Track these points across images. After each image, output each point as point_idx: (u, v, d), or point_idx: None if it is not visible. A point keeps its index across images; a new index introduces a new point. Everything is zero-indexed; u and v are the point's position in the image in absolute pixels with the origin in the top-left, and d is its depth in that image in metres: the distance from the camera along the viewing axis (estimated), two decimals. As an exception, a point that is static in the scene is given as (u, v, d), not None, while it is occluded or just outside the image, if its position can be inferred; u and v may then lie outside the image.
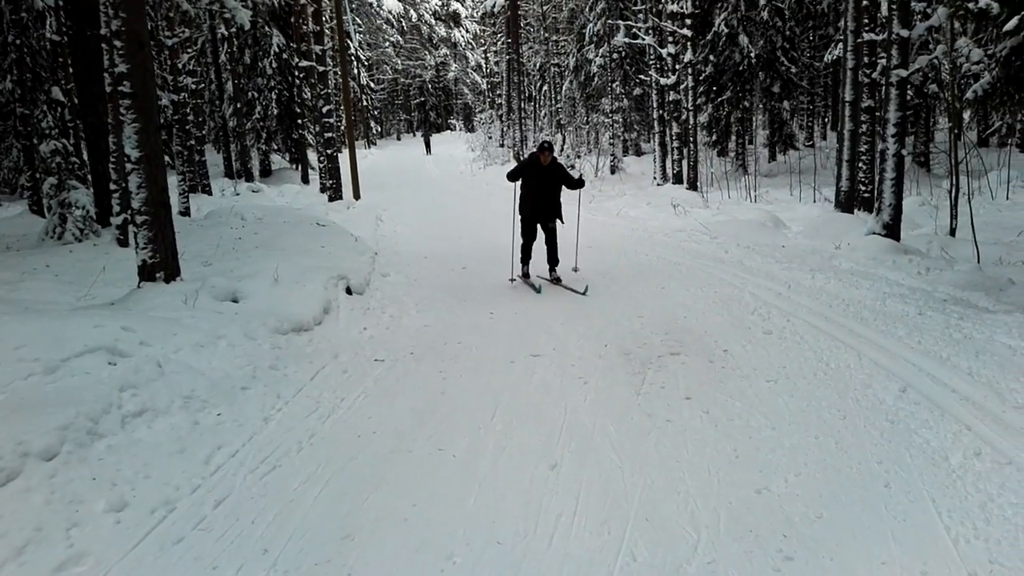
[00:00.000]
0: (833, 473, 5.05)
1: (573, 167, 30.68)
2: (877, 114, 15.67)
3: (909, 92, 13.89)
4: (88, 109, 16.02)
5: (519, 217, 12.00)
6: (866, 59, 15.91)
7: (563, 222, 11.96)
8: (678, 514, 4.67)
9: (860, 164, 16.85)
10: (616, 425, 6.07)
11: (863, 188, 16.84)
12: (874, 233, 12.86)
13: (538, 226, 11.91)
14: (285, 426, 6.26)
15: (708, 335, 8.35)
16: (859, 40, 16.27)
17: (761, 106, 29.34)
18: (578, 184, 11.79)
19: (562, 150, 34.48)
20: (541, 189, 11.61)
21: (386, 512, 4.85)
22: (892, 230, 12.78)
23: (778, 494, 4.83)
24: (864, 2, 15.77)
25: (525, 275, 11.87)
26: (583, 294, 10.83)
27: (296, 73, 34.43)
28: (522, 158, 39.55)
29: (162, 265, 9.07)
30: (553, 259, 11.92)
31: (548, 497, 4.95)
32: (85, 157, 17.23)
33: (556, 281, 11.74)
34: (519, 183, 11.86)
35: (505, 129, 48.12)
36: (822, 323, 8.43)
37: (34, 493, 4.67)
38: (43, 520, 4.50)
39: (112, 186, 14.23)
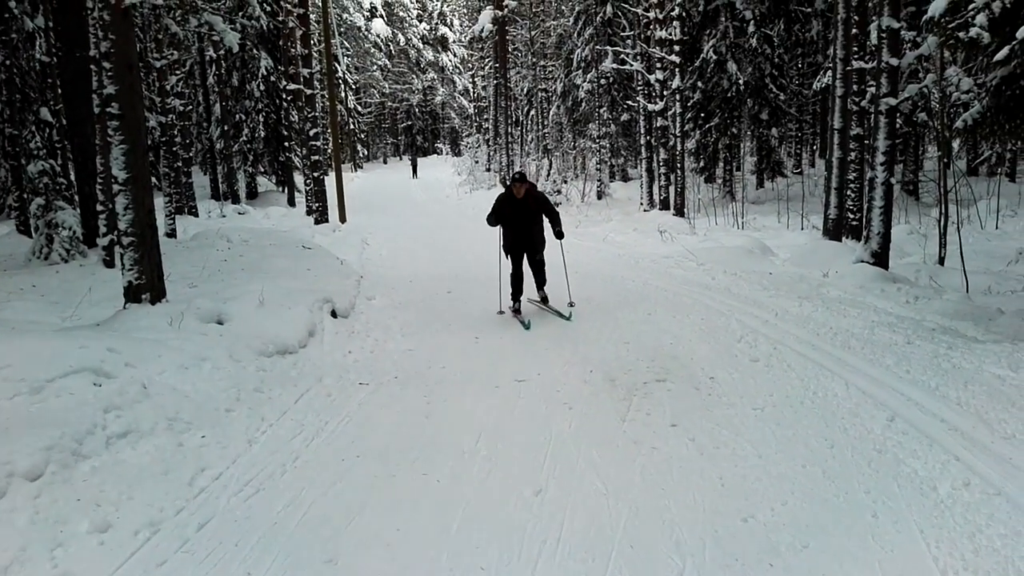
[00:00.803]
0: (820, 502, 5.03)
1: (560, 191, 30.73)
2: (866, 142, 15.73)
3: (898, 120, 13.96)
4: (76, 130, 16.01)
5: (504, 253, 11.50)
6: (855, 87, 15.98)
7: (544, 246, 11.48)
8: (663, 542, 4.65)
9: (848, 192, 16.89)
10: (601, 451, 6.05)
11: (851, 216, 16.88)
12: (862, 261, 12.88)
13: (525, 256, 11.44)
14: (269, 449, 6.22)
15: (694, 362, 8.34)
16: (848, 68, 16.34)
17: (749, 133, 29.46)
18: (557, 233, 11.38)
19: (548, 175, 34.49)
20: (518, 222, 11.18)
21: (369, 536, 4.82)
22: (880, 258, 12.81)
23: (764, 523, 4.81)
24: (853, 30, 15.86)
25: (516, 311, 11.29)
26: (568, 319, 10.71)
27: (284, 96, 34.38)
28: (508, 182, 39.58)
29: (148, 287, 9.04)
30: (541, 280, 11.64)
31: (532, 523, 4.93)
32: (72, 178, 17.16)
33: (543, 300, 11.59)
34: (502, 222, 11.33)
35: (492, 153, 48.15)
36: (809, 351, 8.43)
37: (18, 513, 4.64)
38: (27, 540, 4.47)
39: (99, 207, 14.18)
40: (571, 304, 11.42)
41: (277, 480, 5.65)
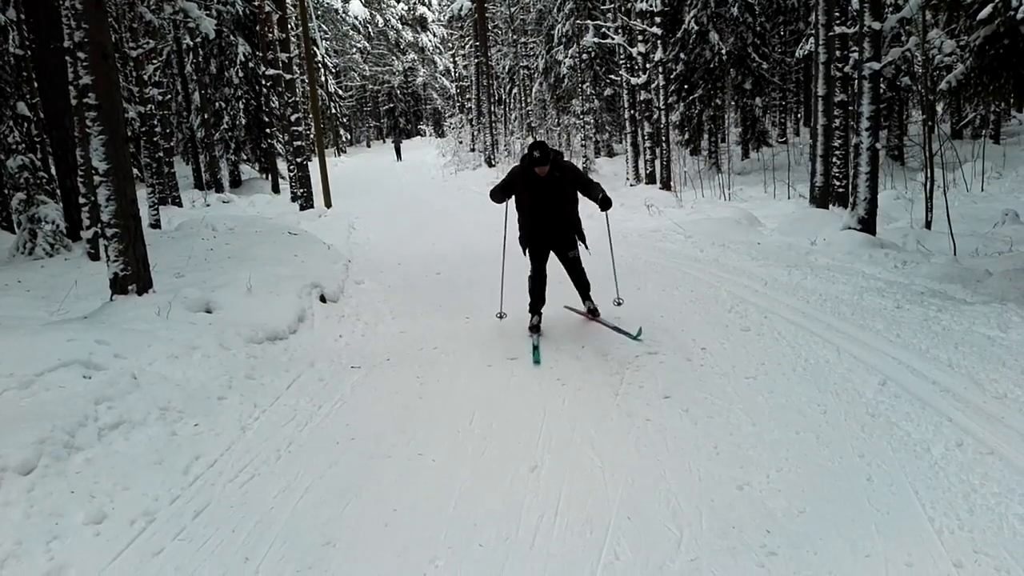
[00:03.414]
0: (815, 468, 5.04)
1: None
2: (850, 108, 15.74)
3: (882, 85, 13.93)
4: (54, 123, 15.90)
5: (521, 249, 9.06)
6: (838, 53, 15.97)
7: (588, 248, 9.25)
8: (660, 512, 4.65)
9: (834, 159, 16.90)
10: (596, 425, 6.05)
11: (837, 183, 16.90)
12: (850, 228, 12.86)
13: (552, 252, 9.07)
14: (263, 435, 6.20)
15: (685, 334, 8.34)
16: (830, 34, 16.32)
17: (733, 103, 29.44)
18: (603, 202, 8.39)
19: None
20: (541, 207, 8.64)
21: (367, 517, 4.82)
22: (868, 224, 12.79)
23: (760, 490, 4.82)
24: (835, -6, 15.83)
25: (533, 327, 8.84)
26: (637, 338, 8.26)
27: (263, 82, 34.05)
28: (493, 162, 39.45)
29: (134, 278, 8.97)
30: (583, 285, 9.27)
31: (529, 498, 4.93)
32: (53, 172, 17.09)
33: (593, 314, 9.25)
34: (511, 201, 8.92)
35: (476, 133, 48.07)
36: (800, 319, 8.44)
37: (13, 507, 4.62)
38: (23, 533, 4.44)
39: (81, 200, 14.11)
40: (618, 302, 9.28)
41: (272, 465, 5.63)
